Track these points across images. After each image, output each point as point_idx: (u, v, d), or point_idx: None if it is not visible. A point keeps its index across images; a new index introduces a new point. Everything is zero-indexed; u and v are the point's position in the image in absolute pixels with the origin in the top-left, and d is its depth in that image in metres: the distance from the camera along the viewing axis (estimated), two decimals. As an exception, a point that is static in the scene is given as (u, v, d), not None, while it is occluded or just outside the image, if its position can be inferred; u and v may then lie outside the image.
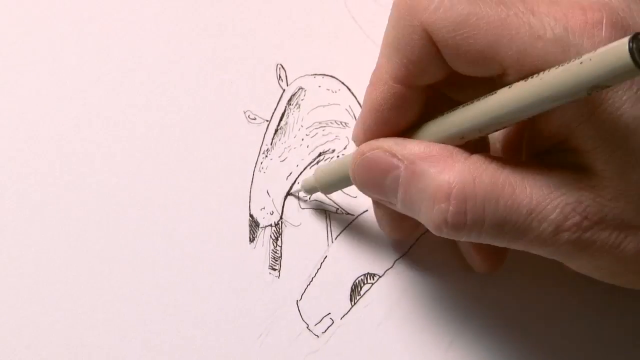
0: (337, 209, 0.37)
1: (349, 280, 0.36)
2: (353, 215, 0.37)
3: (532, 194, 0.28)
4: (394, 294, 0.36)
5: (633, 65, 0.24)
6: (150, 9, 0.37)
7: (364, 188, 0.32)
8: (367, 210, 0.37)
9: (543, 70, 0.27)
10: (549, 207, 0.28)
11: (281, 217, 0.36)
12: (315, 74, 0.38)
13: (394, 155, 0.30)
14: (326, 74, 0.38)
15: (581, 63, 0.25)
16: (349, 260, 0.36)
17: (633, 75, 0.24)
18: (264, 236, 0.36)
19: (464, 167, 0.29)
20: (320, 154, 0.37)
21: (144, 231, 0.35)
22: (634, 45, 0.24)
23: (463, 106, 0.30)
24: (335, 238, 0.36)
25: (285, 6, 0.38)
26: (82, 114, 0.36)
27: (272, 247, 0.36)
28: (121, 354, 0.34)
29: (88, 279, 0.34)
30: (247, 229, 0.36)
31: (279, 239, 0.36)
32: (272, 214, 0.36)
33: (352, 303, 0.36)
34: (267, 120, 0.37)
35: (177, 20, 0.37)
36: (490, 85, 0.29)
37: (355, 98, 0.38)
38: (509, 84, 0.28)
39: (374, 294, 0.36)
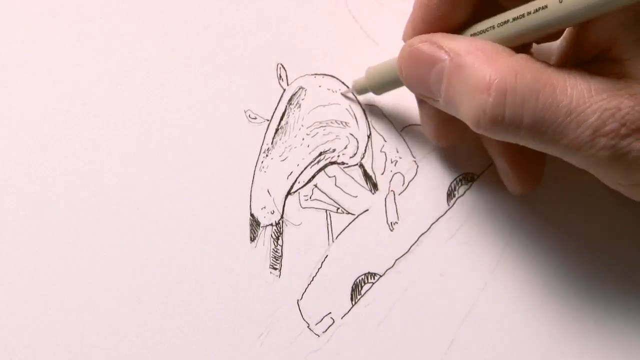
0: (338, 208, 0.37)
1: (350, 280, 0.36)
2: (354, 214, 0.37)
3: (573, 95, 0.28)
4: (394, 294, 0.36)
5: None
6: (151, 9, 0.37)
7: (410, 81, 0.33)
8: (367, 210, 0.37)
9: None
10: (588, 110, 0.28)
11: (282, 217, 0.36)
12: (316, 74, 0.38)
13: (440, 47, 0.30)
14: (327, 73, 0.38)
15: None
16: (349, 259, 0.36)
17: None
18: (265, 235, 0.36)
19: (508, 62, 0.29)
20: (320, 154, 0.37)
21: (144, 231, 0.35)
22: None
23: (514, 9, 0.30)
24: (336, 237, 0.36)
25: (286, 6, 0.38)
26: (82, 113, 0.36)
27: (272, 246, 0.36)
28: (121, 353, 0.34)
29: (88, 278, 0.34)
30: (247, 228, 0.36)
31: (280, 238, 0.36)
32: (272, 213, 0.36)
33: (353, 302, 0.36)
34: (268, 120, 0.37)
35: (177, 20, 0.37)
36: None
37: (356, 98, 0.38)
38: None
39: (374, 294, 0.36)
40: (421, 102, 0.34)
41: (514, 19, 0.30)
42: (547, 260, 0.37)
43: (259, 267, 0.35)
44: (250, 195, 0.36)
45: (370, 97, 0.37)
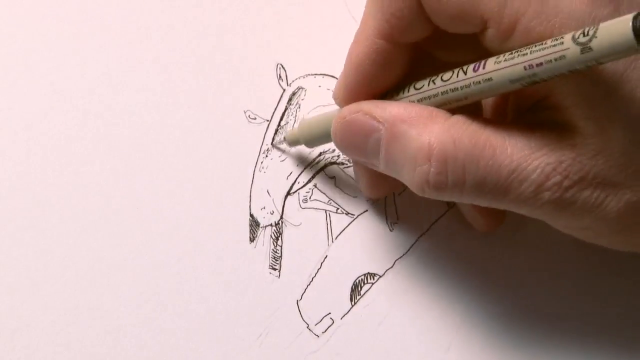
0: (337, 208, 0.37)
1: (349, 280, 0.36)
2: (353, 215, 0.37)
3: (513, 155, 0.28)
4: (394, 294, 0.36)
5: (636, 44, 0.23)
6: (150, 9, 0.37)
7: (346, 151, 0.33)
8: (367, 210, 0.37)
9: (521, 22, 0.27)
10: (529, 167, 0.28)
11: (281, 217, 0.36)
12: (316, 74, 0.38)
13: (374, 117, 0.30)
14: (326, 73, 0.38)
15: (577, 38, 0.25)
16: (349, 260, 0.36)
17: (633, 53, 0.24)
18: (264, 236, 0.36)
19: (444, 128, 0.29)
20: (320, 154, 0.37)
21: (144, 231, 0.35)
22: (638, 24, 0.23)
23: (450, 73, 0.29)
24: (336, 238, 0.36)
25: (286, 6, 0.38)
26: (82, 113, 0.36)
27: (272, 246, 0.36)
28: (121, 353, 0.34)
29: (88, 278, 0.34)
30: (247, 228, 0.36)
31: (279, 238, 0.36)
32: (272, 213, 0.36)
33: (352, 303, 0.36)
34: (268, 120, 0.37)
35: (177, 20, 0.37)
36: (475, 42, 0.29)
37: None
38: (490, 40, 0.28)
39: (374, 294, 0.36)
40: (354, 161, 0.35)
41: (450, 90, 0.29)
42: (547, 260, 0.37)
43: (259, 267, 0.35)
44: (250, 195, 0.36)
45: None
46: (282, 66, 0.38)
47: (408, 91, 0.31)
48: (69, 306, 0.34)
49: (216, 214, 0.35)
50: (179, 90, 0.37)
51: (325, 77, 0.38)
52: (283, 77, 0.38)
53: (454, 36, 0.30)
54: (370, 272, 0.36)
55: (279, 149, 0.36)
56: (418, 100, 0.31)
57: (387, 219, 0.37)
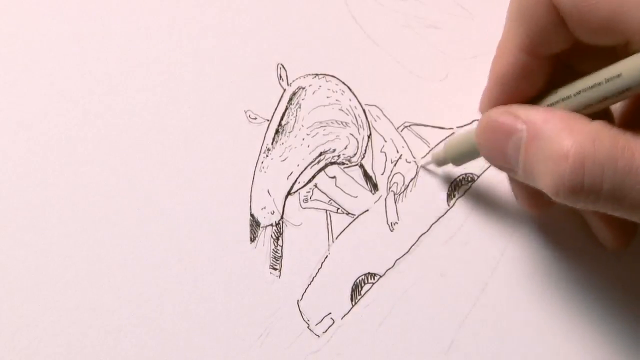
0: (338, 208, 0.37)
1: (350, 280, 0.36)
2: (354, 215, 0.37)
3: None
4: (394, 294, 0.36)
5: None
6: (151, 9, 0.37)
7: (488, 152, 0.32)
8: (367, 210, 0.37)
9: None
10: None
11: (282, 217, 0.36)
12: (316, 74, 0.38)
13: (517, 117, 0.30)
14: (327, 73, 0.38)
15: None
16: (349, 260, 0.36)
17: None
18: (265, 236, 0.36)
19: (585, 129, 0.29)
20: (320, 154, 0.37)
21: (144, 231, 0.35)
22: None
23: (587, 76, 0.30)
24: (336, 238, 0.36)
25: (286, 6, 0.38)
26: (83, 113, 0.36)
27: (272, 246, 0.35)
28: (121, 354, 0.34)
29: (88, 279, 0.34)
30: (247, 228, 0.35)
31: (280, 238, 0.36)
32: (272, 213, 0.36)
33: (353, 303, 0.36)
34: (268, 120, 0.37)
35: (177, 20, 0.37)
36: (614, 55, 0.29)
37: (356, 98, 0.38)
38: (633, 53, 0.28)
39: (374, 294, 0.36)
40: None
41: (589, 88, 0.30)
42: (547, 261, 0.37)
43: (259, 267, 0.35)
44: (251, 195, 0.36)
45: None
46: (283, 66, 0.38)
47: (550, 97, 0.31)
48: (69, 306, 0.34)
49: (217, 214, 0.35)
50: (179, 91, 0.37)
51: (326, 77, 0.38)
52: (283, 77, 0.38)
53: (594, 48, 0.30)
54: (371, 272, 0.36)
55: (427, 169, 0.37)
56: (560, 106, 0.31)
57: (387, 219, 0.37)
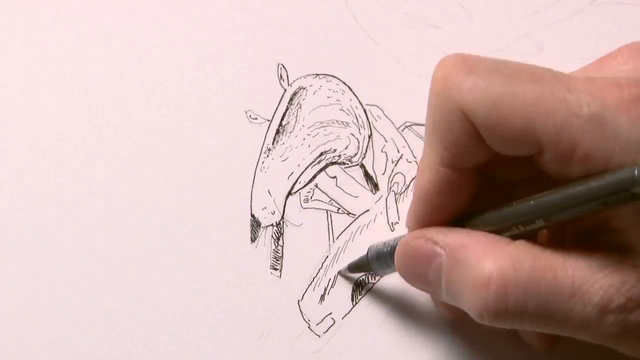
0: (339, 208, 0.37)
1: (351, 280, 0.36)
2: (354, 215, 0.37)
3: (574, 277, 0.28)
4: (395, 294, 0.36)
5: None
6: (151, 9, 0.37)
7: (409, 278, 0.32)
8: (368, 210, 0.37)
9: (579, 148, 0.27)
10: (591, 289, 0.27)
11: (282, 217, 0.36)
12: (317, 74, 0.38)
13: (435, 243, 0.30)
14: (327, 74, 0.38)
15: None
16: (350, 260, 0.36)
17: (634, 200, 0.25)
18: (266, 236, 0.36)
19: (505, 253, 0.29)
20: (321, 154, 0.37)
21: (144, 231, 0.35)
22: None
23: (506, 205, 0.30)
24: (337, 238, 0.36)
25: (286, 6, 0.38)
26: (83, 114, 0.36)
27: (273, 246, 0.36)
28: (122, 353, 0.34)
29: (89, 279, 0.34)
30: (248, 228, 0.35)
31: (281, 238, 0.36)
32: (273, 213, 0.36)
33: (354, 303, 0.36)
34: (269, 120, 0.37)
35: (178, 20, 0.37)
36: (533, 164, 0.29)
37: (356, 97, 0.38)
38: (548, 164, 0.28)
39: (375, 294, 0.36)
40: None
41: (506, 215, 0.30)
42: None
43: (260, 267, 0.35)
44: (251, 195, 0.36)
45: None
46: (283, 66, 0.38)
47: (475, 218, 0.31)
48: (69, 306, 0.34)
49: (217, 214, 0.35)
50: (179, 91, 0.37)
51: (327, 77, 0.38)
52: (284, 77, 0.38)
53: (514, 158, 0.29)
54: (372, 272, 0.36)
55: (345, 277, 0.36)
56: (486, 227, 0.30)
57: (388, 219, 0.37)
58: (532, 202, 0.29)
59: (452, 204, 0.31)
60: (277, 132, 0.37)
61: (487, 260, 0.28)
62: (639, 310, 0.28)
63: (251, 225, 0.36)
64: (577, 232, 0.31)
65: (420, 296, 0.36)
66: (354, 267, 0.35)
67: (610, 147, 0.27)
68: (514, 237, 0.30)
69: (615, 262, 0.28)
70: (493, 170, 0.32)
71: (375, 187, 0.37)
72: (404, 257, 0.32)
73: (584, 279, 0.28)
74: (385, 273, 0.35)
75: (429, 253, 0.31)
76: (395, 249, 0.33)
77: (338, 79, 0.38)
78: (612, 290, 0.27)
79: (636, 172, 0.25)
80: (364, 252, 0.35)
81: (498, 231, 0.30)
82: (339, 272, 0.36)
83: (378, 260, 0.34)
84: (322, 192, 0.37)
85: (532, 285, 0.28)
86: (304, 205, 0.36)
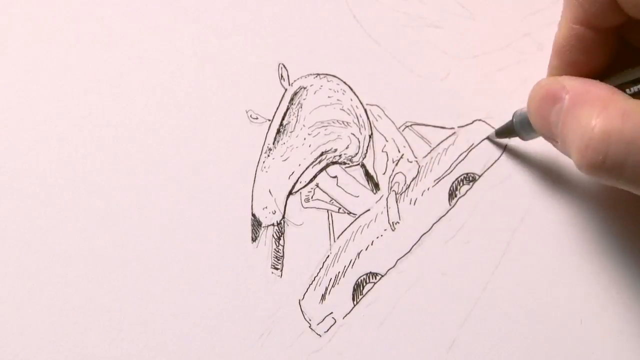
0: (339, 208, 0.37)
1: (351, 280, 0.36)
2: (355, 214, 0.37)
3: None
4: (396, 293, 0.36)
5: None
6: (152, 9, 0.37)
7: (535, 119, 0.33)
8: (368, 210, 0.37)
9: None
10: None
11: (283, 217, 0.36)
12: (317, 74, 0.38)
13: (563, 87, 0.31)
14: (328, 73, 0.38)
15: None
16: (351, 259, 0.36)
17: None
18: (266, 235, 0.36)
19: (619, 105, 0.29)
20: (322, 153, 0.37)
21: (145, 230, 0.35)
22: None
23: (634, 67, 0.30)
24: (338, 237, 0.36)
25: (287, 6, 0.38)
26: (84, 113, 0.36)
27: (274, 246, 0.36)
28: (122, 353, 0.34)
29: (90, 279, 0.34)
30: (249, 228, 0.36)
31: (281, 238, 0.36)
32: (274, 213, 0.36)
33: (355, 302, 0.36)
34: (269, 120, 0.37)
35: (178, 20, 0.37)
36: None
37: (357, 97, 0.38)
38: None
39: (376, 293, 0.36)
40: None
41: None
42: (548, 260, 0.37)
43: (261, 267, 0.35)
44: (252, 195, 0.36)
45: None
46: (284, 66, 0.38)
47: (606, 78, 0.31)
48: (69, 306, 0.34)
49: (218, 214, 0.35)
50: (180, 91, 0.37)
51: (327, 76, 0.38)
52: (285, 76, 0.38)
53: None
54: (372, 271, 0.36)
55: (493, 142, 0.37)
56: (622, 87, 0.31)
57: (389, 219, 0.37)
58: None
59: (586, 62, 0.32)
60: (278, 131, 0.37)
61: (598, 109, 0.29)
62: None
63: (252, 225, 0.36)
64: None
65: (420, 296, 0.36)
66: (501, 132, 0.36)
67: None
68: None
69: None
70: (630, 36, 0.32)
71: (376, 186, 0.37)
72: (534, 97, 0.32)
73: None
74: (529, 137, 0.35)
75: (554, 94, 0.31)
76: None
77: (339, 78, 0.38)
78: None
79: None
80: (362, 247, 0.35)
81: (623, 87, 0.30)
82: (488, 137, 0.37)
83: (522, 123, 0.35)
84: (323, 191, 0.37)
85: (635, 140, 0.28)
86: (305, 204, 0.36)
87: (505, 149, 0.37)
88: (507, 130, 0.36)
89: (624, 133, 0.28)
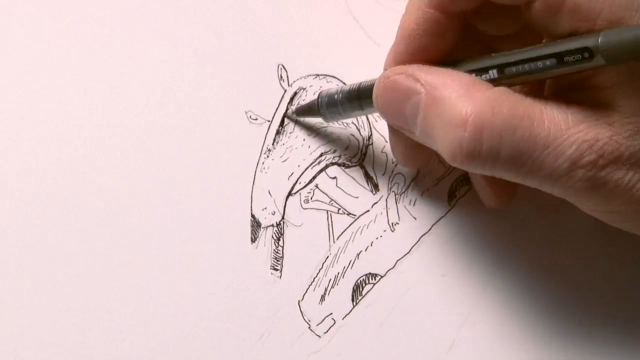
0: (339, 209, 0.37)
1: (351, 281, 0.36)
2: (354, 215, 0.37)
3: (550, 128, 0.28)
4: (395, 294, 0.36)
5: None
6: (151, 9, 0.37)
7: (385, 112, 0.32)
8: (368, 211, 0.37)
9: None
10: (565, 142, 0.28)
11: (283, 217, 0.36)
12: (317, 75, 0.38)
13: (417, 80, 0.30)
14: (327, 74, 0.38)
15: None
16: (350, 260, 0.36)
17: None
18: (266, 236, 0.36)
19: (484, 96, 0.29)
20: (321, 154, 0.37)
21: (145, 231, 0.35)
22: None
23: (493, 55, 0.30)
24: (337, 238, 0.36)
25: (287, 6, 0.38)
26: (84, 114, 0.36)
27: (273, 247, 0.36)
28: (122, 354, 0.34)
29: (89, 279, 0.34)
30: (248, 229, 0.36)
31: (281, 239, 0.36)
32: (273, 214, 0.36)
33: (354, 303, 0.36)
34: (269, 121, 0.37)
35: (178, 20, 0.37)
36: (519, 17, 0.29)
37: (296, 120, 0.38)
38: (537, 15, 0.28)
39: (375, 294, 0.36)
40: (391, 128, 0.34)
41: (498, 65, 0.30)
42: (548, 261, 0.37)
43: (260, 268, 0.35)
44: (251, 196, 0.36)
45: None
46: (283, 67, 0.38)
47: (454, 65, 0.31)
48: (69, 306, 0.34)
49: (217, 215, 0.35)
50: (180, 91, 0.37)
51: (327, 77, 0.38)
52: (284, 77, 0.38)
53: (501, 9, 0.30)
54: (372, 272, 0.36)
55: (290, 119, 0.37)
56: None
57: (388, 220, 0.37)
58: (509, 52, 0.29)
59: (435, 47, 0.31)
60: (278, 132, 0.37)
61: (466, 101, 0.29)
62: (608, 168, 0.28)
63: (251, 226, 0.36)
64: (559, 87, 0.31)
65: (420, 297, 0.36)
66: (302, 111, 0.36)
67: (600, 4, 0.27)
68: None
69: (591, 118, 0.28)
70: (479, 21, 0.32)
71: (376, 187, 0.37)
72: (384, 90, 0.32)
73: (559, 132, 0.28)
74: (332, 119, 0.36)
75: (409, 89, 0.31)
76: (346, 93, 0.34)
77: (338, 79, 0.38)
78: (585, 146, 0.28)
79: (600, 39, 0.26)
80: (362, 248, 0.35)
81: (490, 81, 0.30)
82: (285, 115, 0.37)
83: (329, 105, 0.35)
84: (323, 192, 0.37)
85: (508, 131, 0.28)
86: (304, 205, 0.36)
87: None
88: (309, 110, 0.36)
89: (495, 125, 0.28)
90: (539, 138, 0.28)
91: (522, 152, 0.28)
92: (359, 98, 0.34)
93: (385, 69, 0.33)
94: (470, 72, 0.30)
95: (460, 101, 0.29)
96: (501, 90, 0.29)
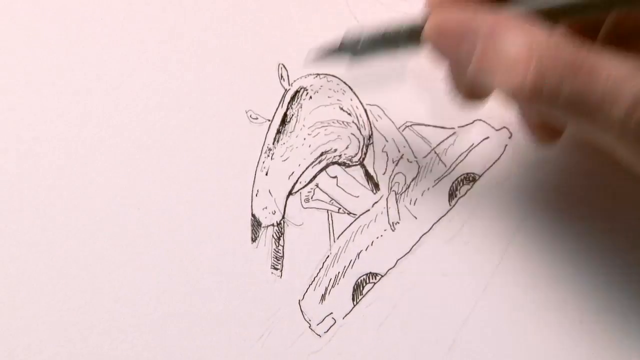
0: (339, 208, 0.37)
1: (351, 280, 0.36)
2: (355, 214, 0.37)
3: (610, 75, 0.28)
4: (396, 294, 0.36)
5: None
6: (152, 9, 0.37)
7: (439, 46, 0.32)
8: (368, 210, 0.37)
9: None
10: (623, 91, 0.28)
11: (283, 217, 0.36)
12: (317, 74, 0.38)
13: (474, 17, 0.30)
14: (328, 73, 0.38)
15: None
16: (351, 259, 0.36)
17: None
18: (266, 236, 0.36)
19: (546, 37, 0.29)
20: (322, 154, 0.37)
21: (145, 231, 0.35)
22: None
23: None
24: (338, 237, 0.36)
25: (287, 6, 0.38)
26: (84, 114, 0.36)
27: (274, 246, 0.36)
28: (122, 353, 0.34)
29: (89, 279, 0.34)
30: (249, 228, 0.36)
31: (281, 238, 0.36)
32: (274, 213, 0.36)
33: (354, 303, 0.36)
34: (269, 120, 0.37)
35: (178, 20, 0.37)
36: None
37: (357, 97, 0.38)
38: None
39: (376, 294, 0.36)
40: (452, 65, 0.34)
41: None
42: (549, 260, 0.37)
43: (261, 267, 0.35)
44: (252, 195, 0.36)
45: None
46: (284, 66, 0.38)
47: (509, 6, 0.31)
48: (70, 306, 0.34)
49: (218, 214, 0.35)
50: (180, 91, 0.37)
51: (327, 76, 0.38)
52: (285, 77, 0.38)
53: None
54: (372, 271, 0.36)
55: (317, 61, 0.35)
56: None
57: (389, 219, 0.37)
58: None
59: None
60: (278, 132, 0.37)
61: (530, 40, 0.29)
62: None
63: (252, 225, 0.36)
64: (617, 35, 0.31)
65: (420, 296, 0.36)
66: (325, 52, 0.34)
67: None
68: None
69: None
70: None
71: (376, 186, 0.37)
72: (437, 24, 0.31)
73: (618, 78, 0.28)
74: (359, 60, 0.33)
75: (468, 23, 0.30)
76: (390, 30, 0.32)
77: (339, 78, 0.38)
78: None
79: None
80: (362, 247, 0.35)
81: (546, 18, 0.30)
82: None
83: (364, 44, 0.33)
84: (323, 191, 0.37)
85: (569, 73, 0.28)
86: (305, 205, 0.36)
87: (505, 149, 0.37)
88: (334, 50, 0.34)
89: (558, 66, 0.28)
90: (598, 84, 0.28)
91: (581, 96, 0.28)
92: (396, 38, 0.33)
93: (429, 6, 0.32)
94: (525, 11, 0.30)
95: (522, 38, 0.29)
96: (562, 33, 0.29)
